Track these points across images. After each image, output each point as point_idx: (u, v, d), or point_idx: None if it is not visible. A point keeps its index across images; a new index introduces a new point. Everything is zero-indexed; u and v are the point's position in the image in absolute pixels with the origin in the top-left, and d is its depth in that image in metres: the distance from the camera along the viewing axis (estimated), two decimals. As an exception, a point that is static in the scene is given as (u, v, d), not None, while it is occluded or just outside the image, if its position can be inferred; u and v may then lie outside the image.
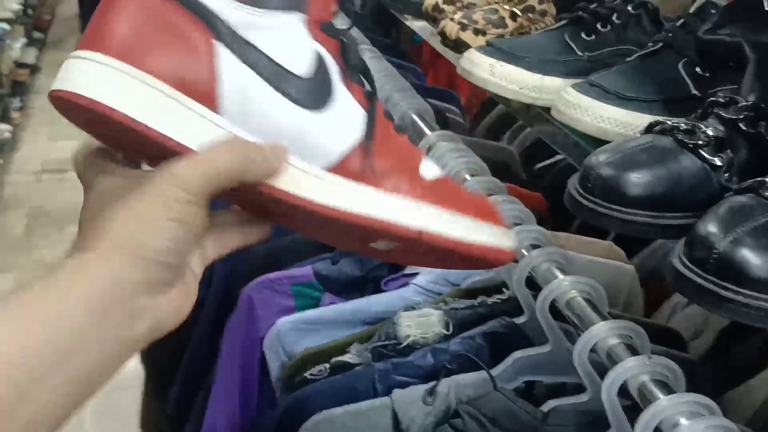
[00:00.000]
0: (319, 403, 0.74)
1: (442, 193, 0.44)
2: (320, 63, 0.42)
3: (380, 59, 1.22)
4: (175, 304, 0.40)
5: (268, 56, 0.41)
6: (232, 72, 0.40)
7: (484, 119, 1.56)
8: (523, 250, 0.75)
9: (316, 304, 0.89)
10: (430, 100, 1.26)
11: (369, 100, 0.44)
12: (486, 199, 0.50)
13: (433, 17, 1.01)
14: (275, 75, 0.41)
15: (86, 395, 0.38)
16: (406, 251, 0.46)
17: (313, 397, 0.75)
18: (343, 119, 0.43)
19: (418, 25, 1.29)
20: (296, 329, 0.85)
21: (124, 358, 0.39)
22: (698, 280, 0.47)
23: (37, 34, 5.28)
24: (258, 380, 0.88)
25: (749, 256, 0.45)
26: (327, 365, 0.79)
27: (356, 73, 0.44)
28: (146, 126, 0.38)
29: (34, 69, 4.77)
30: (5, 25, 4.32)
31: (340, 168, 0.42)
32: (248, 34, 0.41)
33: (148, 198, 0.38)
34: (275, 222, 0.47)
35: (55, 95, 0.39)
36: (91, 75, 0.38)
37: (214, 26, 0.40)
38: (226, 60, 0.40)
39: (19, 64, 4.55)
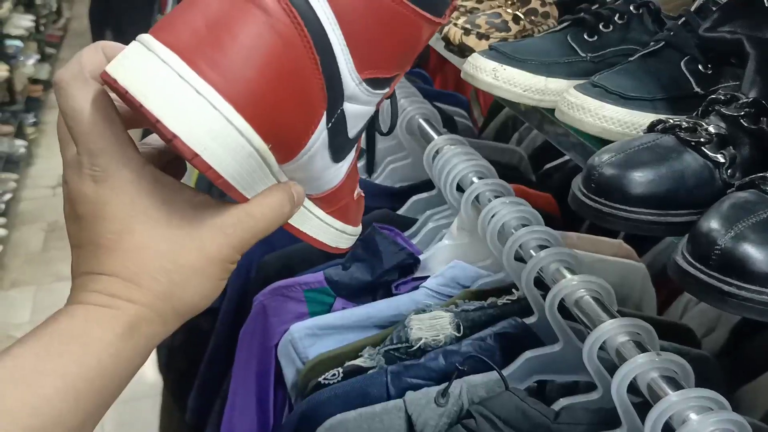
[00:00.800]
0: (333, 407, 0.75)
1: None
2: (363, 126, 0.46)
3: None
4: (198, 305, 0.42)
5: (346, 124, 0.43)
6: (318, 136, 0.41)
7: (492, 121, 1.56)
8: (531, 251, 0.75)
9: (328, 309, 0.90)
10: (437, 104, 1.26)
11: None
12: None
13: (437, 23, 1.01)
14: (336, 136, 0.43)
15: (99, 414, 0.38)
16: None
17: (327, 401, 0.76)
18: (345, 167, 0.48)
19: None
20: (309, 335, 0.85)
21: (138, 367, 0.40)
22: (701, 276, 0.48)
23: (49, 50, 5.34)
24: (273, 387, 0.89)
25: (751, 251, 0.46)
26: (340, 369, 0.80)
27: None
28: (211, 167, 0.36)
29: (47, 85, 4.82)
30: (18, 42, 4.37)
31: (317, 199, 0.48)
32: (345, 105, 0.41)
33: (202, 255, 0.37)
34: None
35: (112, 83, 0.36)
36: (169, 91, 0.35)
37: (332, 94, 0.39)
38: (321, 126, 0.40)
39: (33, 81, 4.61)
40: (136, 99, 0.35)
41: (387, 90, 0.44)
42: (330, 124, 0.41)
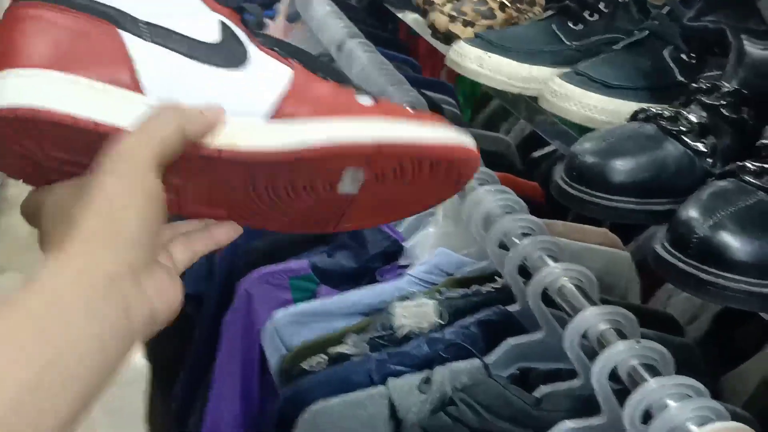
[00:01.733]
0: (316, 393, 0.75)
1: (385, 109, 0.44)
2: (225, 29, 0.45)
3: (374, 53, 1.23)
4: (163, 292, 0.40)
5: (174, 31, 0.43)
6: (144, 53, 0.42)
7: (482, 110, 1.57)
8: (515, 239, 0.75)
9: (312, 296, 0.90)
10: (424, 91, 1.26)
11: (287, 59, 0.46)
12: (426, 111, 0.50)
13: (423, 10, 1.01)
14: (185, 46, 0.43)
15: (93, 396, 0.37)
16: (373, 191, 0.45)
17: (311, 388, 0.76)
18: (265, 74, 0.44)
19: (411, 18, 1.30)
20: (293, 322, 0.86)
21: (125, 352, 0.39)
22: (680, 264, 0.48)
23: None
24: (258, 373, 0.90)
25: (730, 239, 0.46)
26: (324, 356, 0.80)
27: (266, 38, 0.46)
28: (73, 117, 0.39)
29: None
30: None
31: (279, 115, 0.43)
32: (152, 19, 0.43)
33: (104, 183, 0.38)
34: (230, 217, 0.47)
35: None
36: (19, 86, 0.40)
37: (116, 20, 0.42)
38: (135, 44, 0.42)
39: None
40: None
41: None
42: (149, 39, 0.42)
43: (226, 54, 0.44)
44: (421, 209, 0.52)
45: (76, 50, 0.41)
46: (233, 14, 0.46)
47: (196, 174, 0.44)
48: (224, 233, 0.47)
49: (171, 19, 0.44)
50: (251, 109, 0.43)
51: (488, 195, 0.81)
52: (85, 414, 0.37)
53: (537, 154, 1.32)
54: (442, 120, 0.46)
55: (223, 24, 0.45)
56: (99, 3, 0.43)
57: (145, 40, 0.43)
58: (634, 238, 1.09)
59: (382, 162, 0.43)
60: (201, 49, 0.43)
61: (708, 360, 0.87)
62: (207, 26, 0.44)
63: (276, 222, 0.49)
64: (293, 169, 0.43)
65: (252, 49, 0.45)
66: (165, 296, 0.40)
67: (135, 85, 0.42)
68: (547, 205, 1.15)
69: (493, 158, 1.20)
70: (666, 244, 0.49)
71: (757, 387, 0.86)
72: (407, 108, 0.47)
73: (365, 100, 0.45)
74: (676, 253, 0.48)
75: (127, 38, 0.42)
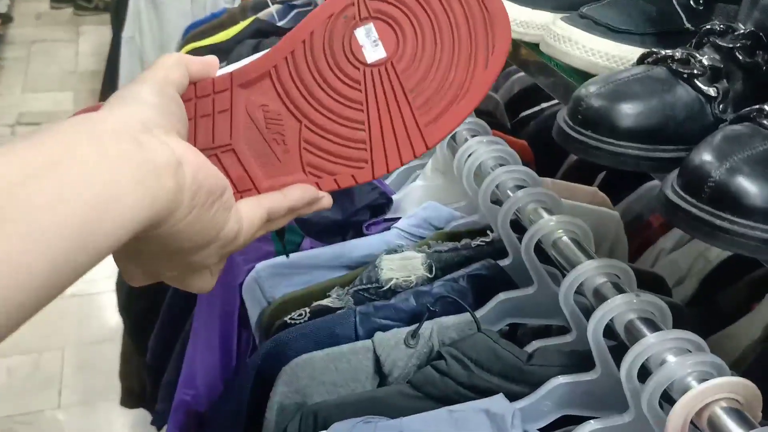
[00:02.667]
0: (299, 346, 0.72)
1: None
2: None
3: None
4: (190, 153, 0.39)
5: None
6: None
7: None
8: (509, 191, 0.73)
9: (296, 248, 0.87)
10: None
11: None
12: None
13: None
14: None
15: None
16: (403, 55, 0.45)
17: (294, 340, 0.73)
18: None
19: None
20: (276, 274, 0.83)
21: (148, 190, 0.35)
22: (692, 210, 0.45)
23: (8, -16, 5.11)
24: (237, 326, 0.87)
25: (746, 184, 0.44)
26: (307, 309, 0.77)
27: None
28: None
29: (6, 19, 4.62)
30: (-25, -26, 4.17)
31: None
32: None
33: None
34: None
35: None
36: None
37: None
38: None
39: (-10, 15, 4.41)
40: None
41: None
42: None
43: None
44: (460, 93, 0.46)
45: None
46: None
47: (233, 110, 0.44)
48: (297, 193, 0.46)
49: None
50: None
51: (481, 146, 0.78)
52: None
53: (526, 113, 1.29)
54: None
55: None
56: None
57: None
58: (623, 199, 1.07)
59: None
60: None
61: (695, 322, 0.86)
62: None
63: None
64: (305, 43, 0.43)
65: None
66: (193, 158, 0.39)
67: None
68: (535, 165, 1.13)
69: (481, 115, 1.17)
70: (678, 189, 0.46)
71: (745, 348, 0.85)
72: None
73: None
74: (689, 198, 0.45)
75: None
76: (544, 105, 1.27)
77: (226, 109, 0.45)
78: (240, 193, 0.45)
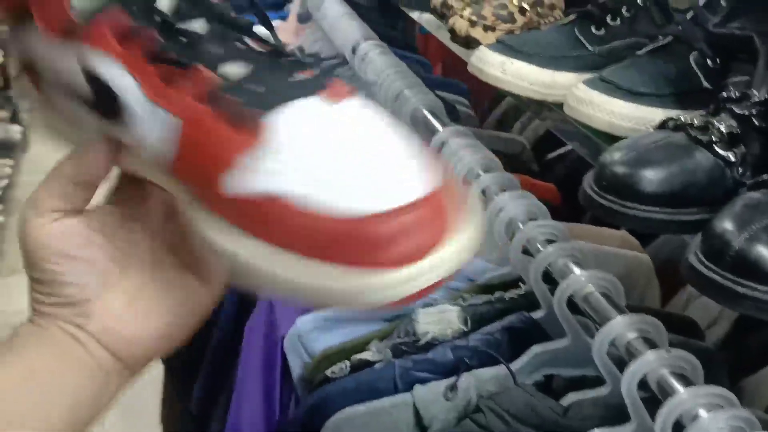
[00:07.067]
0: (341, 401, 0.75)
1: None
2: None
3: (389, 55, 1.23)
4: None
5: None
6: None
7: (494, 109, 1.56)
8: (539, 246, 0.75)
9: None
10: (438, 92, 1.26)
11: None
12: None
13: (441, 13, 1.01)
14: None
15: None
16: None
17: (336, 395, 0.76)
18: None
19: (425, 19, 1.29)
20: (316, 328, 0.86)
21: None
22: (715, 277, 0.48)
23: (43, 34, 5.28)
24: (280, 380, 0.90)
25: (766, 252, 0.46)
26: (347, 363, 0.80)
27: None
28: None
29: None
30: (12, 27, 4.32)
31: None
32: None
33: None
34: None
35: None
36: None
37: None
38: None
39: (27, 65, 4.55)
40: None
41: None
42: None
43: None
44: None
45: None
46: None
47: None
48: None
49: None
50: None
51: (511, 201, 0.81)
52: None
53: (552, 155, 1.31)
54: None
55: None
56: None
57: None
58: (652, 242, 1.09)
59: None
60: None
61: (726, 365, 0.87)
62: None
63: None
64: None
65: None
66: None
67: None
68: (563, 206, 1.15)
69: (508, 160, 1.20)
70: (701, 256, 0.49)
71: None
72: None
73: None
74: (712, 265, 0.48)
75: None
76: (570, 147, 1.29)
77: None
78: None
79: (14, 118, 3.96)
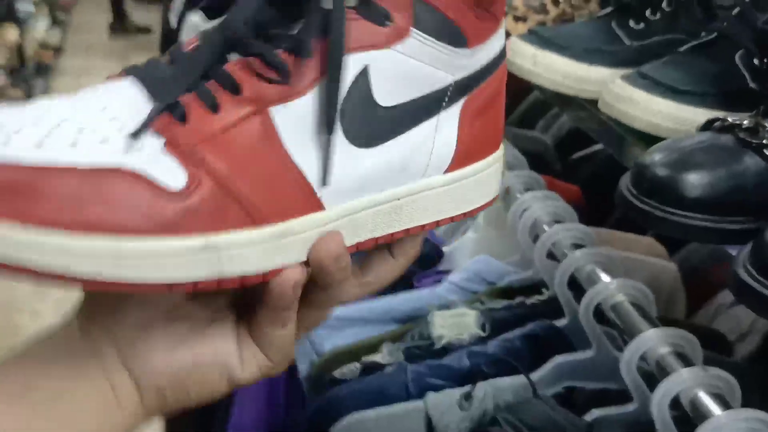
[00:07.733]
0: (351, 404, 0.72)
1: None
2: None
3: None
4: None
5: None
6: None
7: (517, 107, 1.52)
8: (565, 250, 0.71)
9: (346, 300, 0.86)
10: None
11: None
12: None
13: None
14: None
15: None
16: None
17: (345, 397, 0.72)
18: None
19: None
20: (325, 327, 0.82)
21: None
22: (765, 291, 0.44)
23: (61, 16, 5.29)
24: (285, 379, 0.86)
25: (825, 269, 0.42)
26: (357, 364, 0.77)
27: None
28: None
29: (58, 50, 4.77)
30: (30, 7, 4.32)
31: None
32: None
33: None
34: None
35: None
36: None
37: None
38: None
39: (44, 46, 4.56)
40: None
41: None
42: None
43: None
44: None
45: None
46: None
47: None
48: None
49: None
50: None
51: (536, 202, 0.77)
52: None
53: (578, 155, 1.27)
54: None
55: None
56: None
57: None
58: (680, 250, 1.05)
59: None
60: None
61: (757, 380, 0.83)
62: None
63: None
64: None
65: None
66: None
67: None
68: (587, 208, 1.11)
69: (531, 159, 1.15)
70: (751, 270, 0.44)
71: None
72: None
73: None
74: (762, 279, 0.44)
75: None
76: (596, 147, 1.25)
77: None
78: None
79: (29, 99, 3.94)
